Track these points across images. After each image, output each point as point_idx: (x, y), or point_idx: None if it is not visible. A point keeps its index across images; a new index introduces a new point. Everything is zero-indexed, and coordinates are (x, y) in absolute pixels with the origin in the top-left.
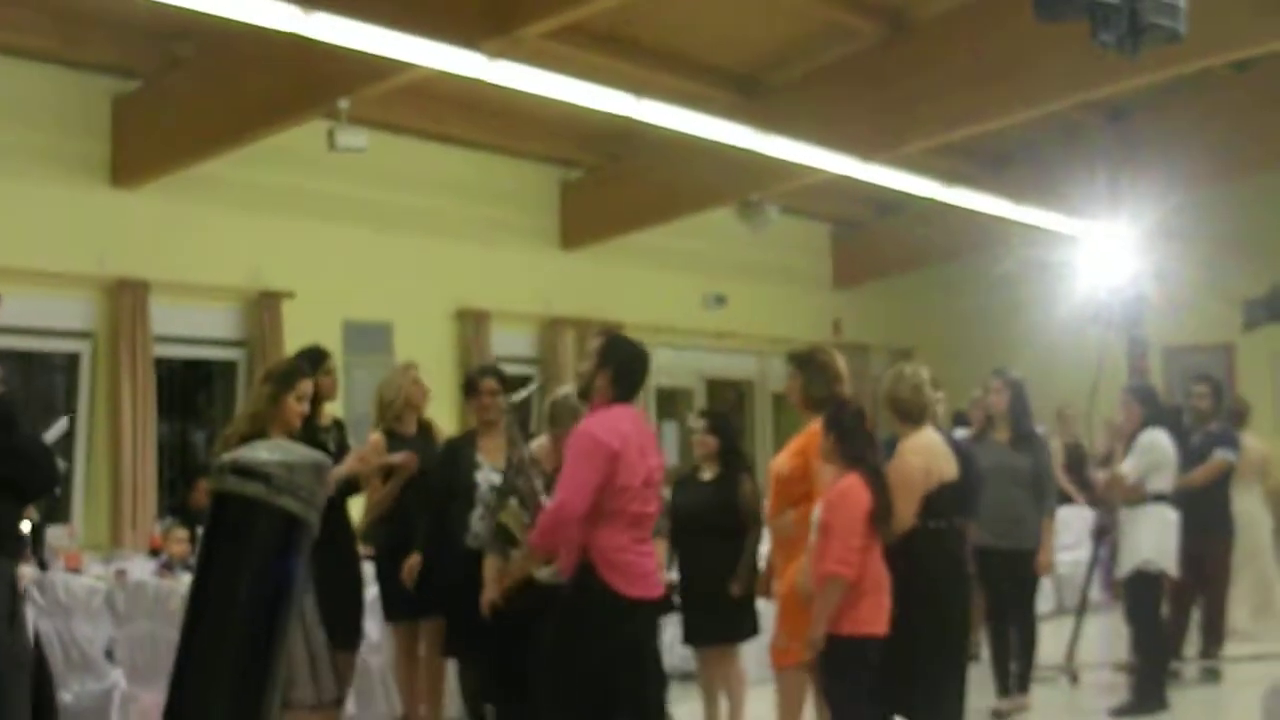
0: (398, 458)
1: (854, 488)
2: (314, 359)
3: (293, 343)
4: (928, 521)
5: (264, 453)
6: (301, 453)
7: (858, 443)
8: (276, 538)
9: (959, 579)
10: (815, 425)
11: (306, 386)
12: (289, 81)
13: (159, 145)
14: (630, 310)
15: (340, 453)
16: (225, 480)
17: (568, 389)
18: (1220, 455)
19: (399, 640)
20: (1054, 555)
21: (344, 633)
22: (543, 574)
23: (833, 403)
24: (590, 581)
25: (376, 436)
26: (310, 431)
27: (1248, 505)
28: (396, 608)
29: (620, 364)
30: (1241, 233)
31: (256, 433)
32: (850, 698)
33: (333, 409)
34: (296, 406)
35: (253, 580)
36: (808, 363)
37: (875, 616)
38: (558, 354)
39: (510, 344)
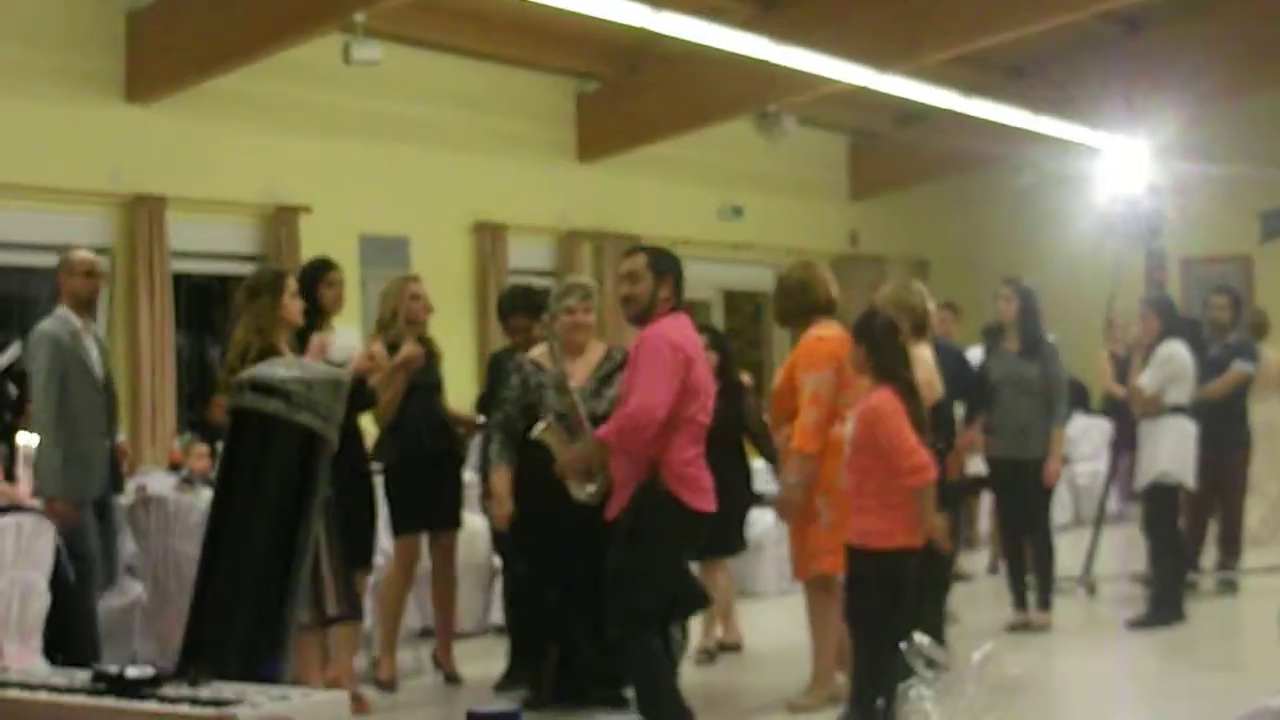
0: (404, 351)
1: (887, 402)
2: (317, 270)
3: (309, 257)
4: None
5: (282, 370)
6: (319, 369)
7: (889, 355)
8: (296, 453)
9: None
10: (811, 334)
11: (293, 283)
12: None
13: (173, 61)
14: (647, 223)
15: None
16: (244, 397)
17: (584, 278)
18: (1239, 367)
19: (400, 555)
20: (1061, 464)
21: (359, 552)
22: (581, 494)
23: (814, 316)
24: (659, 496)
25: (377, 347)
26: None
27: (1268, 414)
28: (404, 521)
29: (677, 274)
30: (1259, 146)
31: (266, 344)
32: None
33: (350, 321)
34: (294, 304)
35: (273, 496)
36: (782, 281)
37: (912, 529)
38: (575, 267)
39: (527, 257)
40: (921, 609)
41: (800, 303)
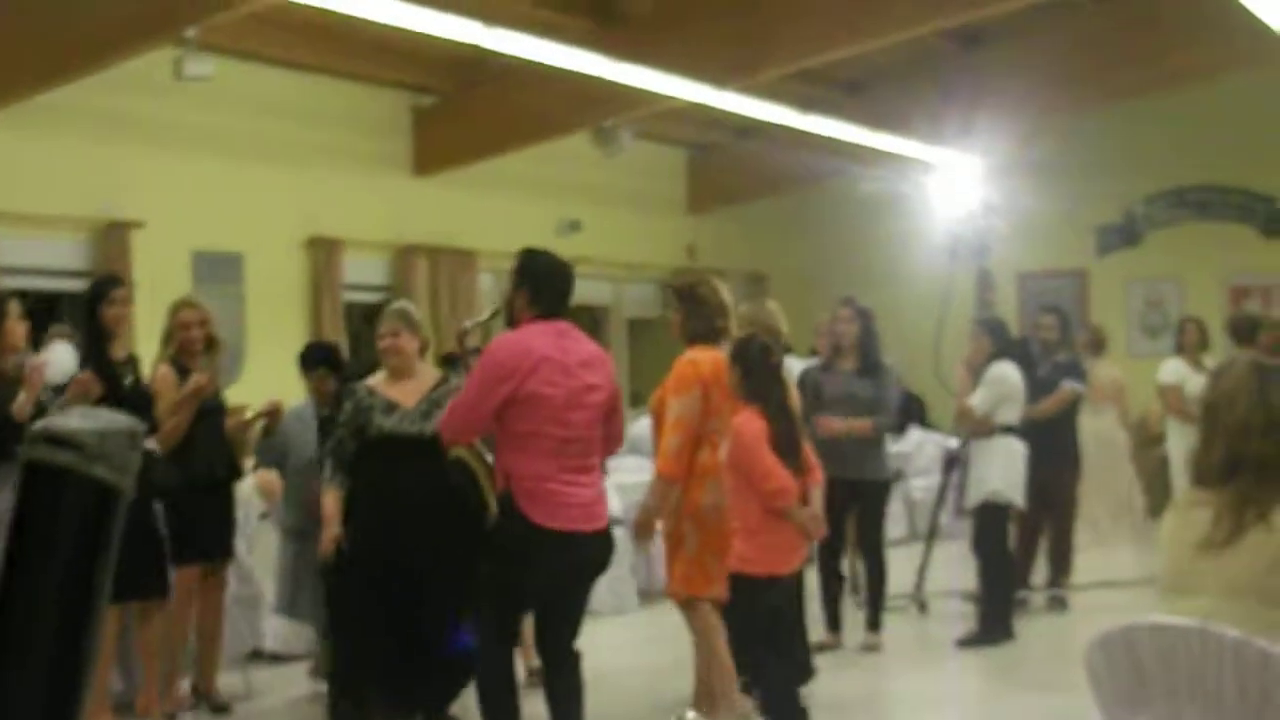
0: (192, 381)
1: (748, 424)
2: (99, 288)
3: (142, 273)
4: None
5: (75, 420)
6: (115, 418)
7: (762, 377)
8: (90, 508)
9: None
10: (685, 358)
11: (17, 306)
12: (135, 8)
13: (2, 72)
14: (484, 237)
15: (137, 389)
16: (37, 449)
17: (402, 303)
18: (1068, 386)
19: (184, 585)
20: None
21: (147, 584)
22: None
23: (712, 337)
24: (508, 511)
25: (87, 375)
26: (103, 367)
27: (1101, 426)
28: (188, 551)
29: (537, 279)
30: (1094, 161)
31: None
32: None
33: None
34: (18, 328)
35: (66, 553)
36: (688, 296)
37: (777, 555)
38: (411, 282)
39: (363, 272)
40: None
41: (711, 325)
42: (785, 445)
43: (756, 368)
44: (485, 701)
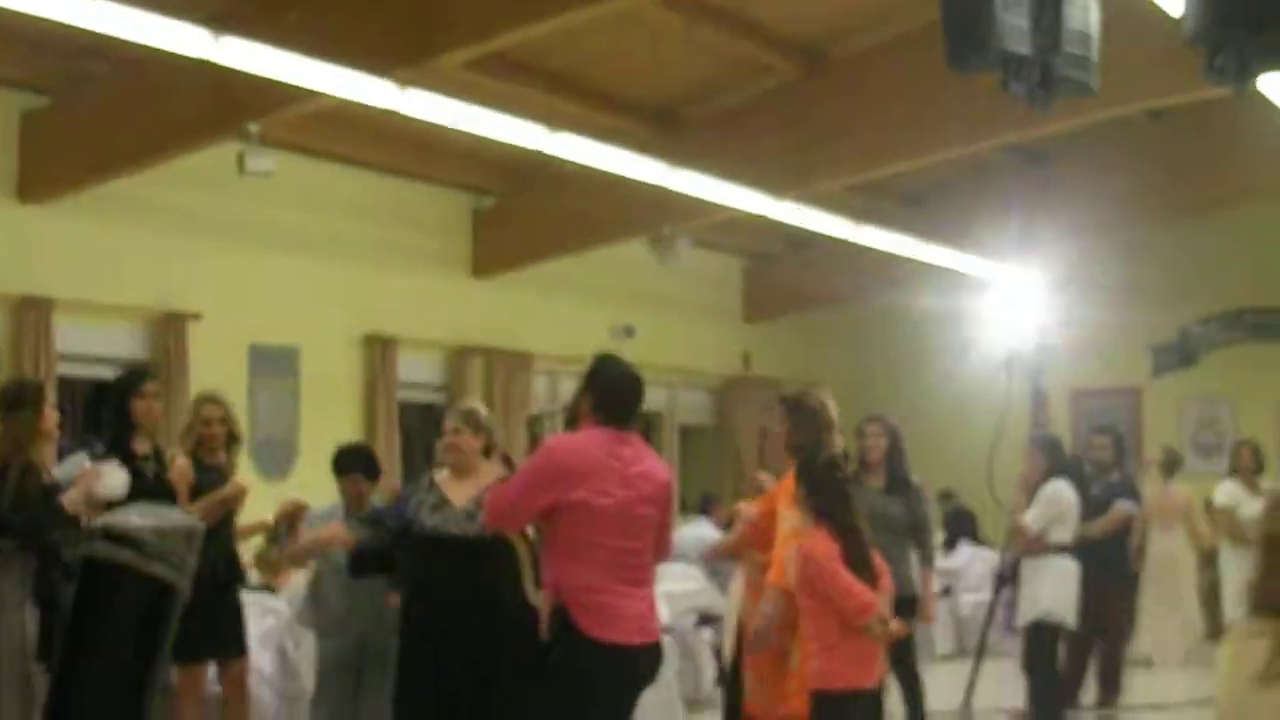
0: (228, 491)
1: (819, 545)
2: (129, 381)
3: (199, 364)
4: None
5: (136, 518)
6: (173, 517)
7: (829, 495)
8: (148, 604)
9: None
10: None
11: (51, 394)
12: (200, 103)
13: (67, 162)
14: (539, 340)
15: (157, 482)
16: (96, 546)
17: (471, 402)
18: (1121, 507)
19: (188, 684)
20: (935, 605)
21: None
22: (537, 598)
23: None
24: (563, 623)
25: (183, 461)
26: (127, 460)
27: (1172, 545)
28: (189, 649)
29: (604, 387)
30: (1150, 279)
31: (26, 459)
32: None
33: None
34: (52, 415)
35: (124, 647)
36: (796, 407)
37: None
38: (466, 382)
39: (418, 371)
40: None
41: (818, 438)
42: (858, 561)
43: (824, 484)
44: None
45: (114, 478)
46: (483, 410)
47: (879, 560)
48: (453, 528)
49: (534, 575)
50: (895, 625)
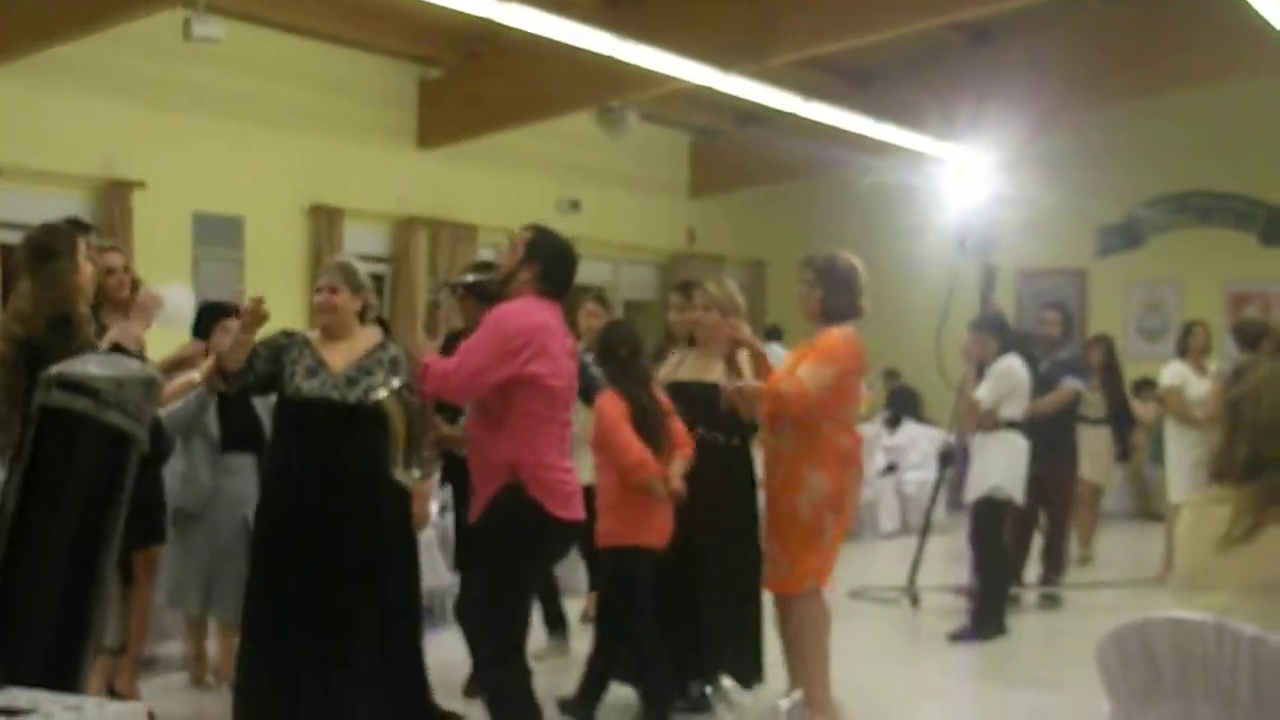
0: (187, 350)
1: (607, 399)
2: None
3: (142, 233)
4: None
5: (93, 366)
6: (132, 367)
7: (617, 364)
8: (105, 454)
9: None
10: (836, 334)
11: (87, 242)
12: None
13: (11, 26)
14: (484, 212)
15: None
16: (51, 394)
17: (345, 257)
18: (1069, 383)
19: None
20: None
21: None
22: (405, 478)
23: (852, 315)
24: (520, 502)
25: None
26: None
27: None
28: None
29: (550, 258)
30: (1098, 161)
31: (74, 311)
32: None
33: None
34: (88, 266)
35: (79, 497)
36: (830, 271)
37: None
38: (411, 253)
39: (363, 242)
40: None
41: (855, 302)
42: (645, 424)
43: (614, 356)
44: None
45: (175, 295)
46: (360, 267)
47: (679, 430)
48: (331, 393)
49: (406, 453)
50: (675, 484)
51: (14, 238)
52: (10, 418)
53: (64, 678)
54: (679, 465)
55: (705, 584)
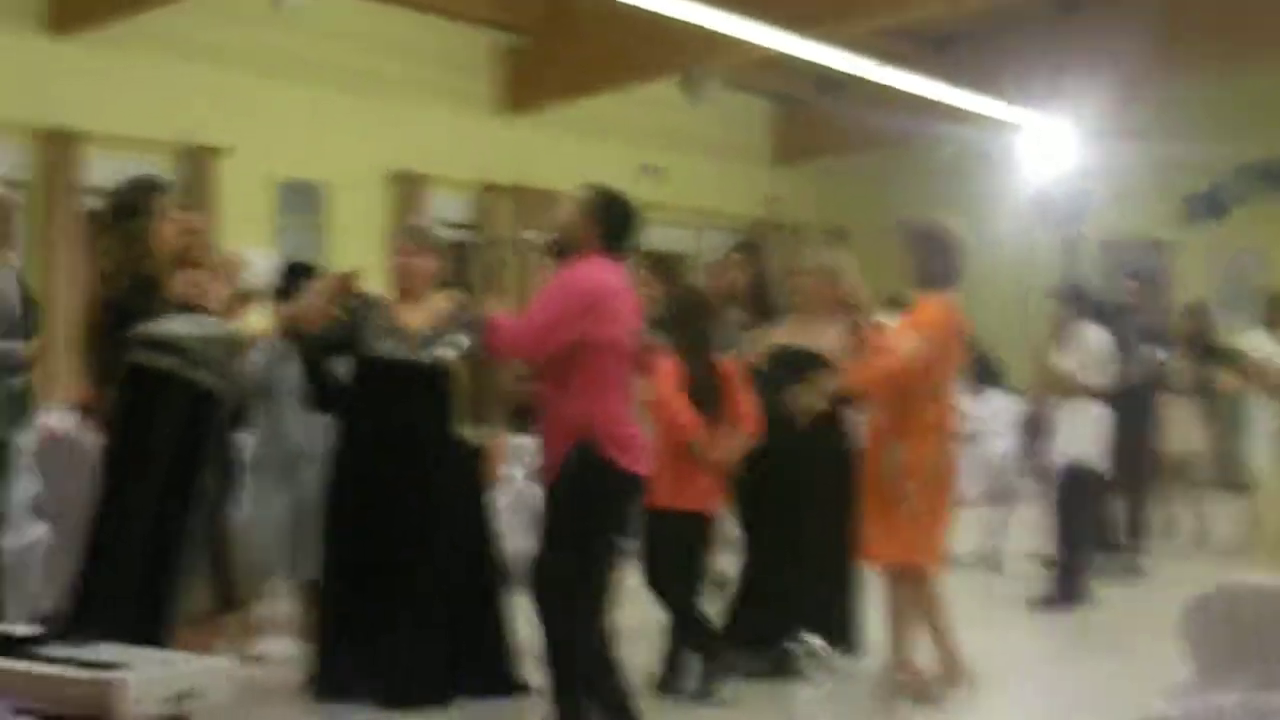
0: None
1: (665, 364)
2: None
3: (227, 199)
4: None
5: (179, 325)
6: (215, 326)
7: (681, 332)
8: (190, 410)
9: None
10: (937, 301)
11: (159, 202)
12: None
13: None
14: (567, 178)
15: None
16: (138, 353)
17: (424, 221)
18: (1150, 351)
19: None
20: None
21: None
22: (473, 434)
23: (952, 280)
24: (594, 459)
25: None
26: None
27: None
28: None
29: (616, 218)
30: (1183, 130)
31: (152, 271)
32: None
33: None
34: (170, 226)
35: (166, 452)
36: (930, 234)
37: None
38: (494, 220)
39: (446, 208)
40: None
41: (956, 267)
42: (701, 391)
43: (680, 324)
44: (571, 689)
45: (262, 264)
46: (437, 230)
47: (746, 406)
48: (407, 354)
49: (475, 411)
50: (718, 454)
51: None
52: (99, 378)
53: (153, 633)
54: (735, 440)
55: (795, 549)
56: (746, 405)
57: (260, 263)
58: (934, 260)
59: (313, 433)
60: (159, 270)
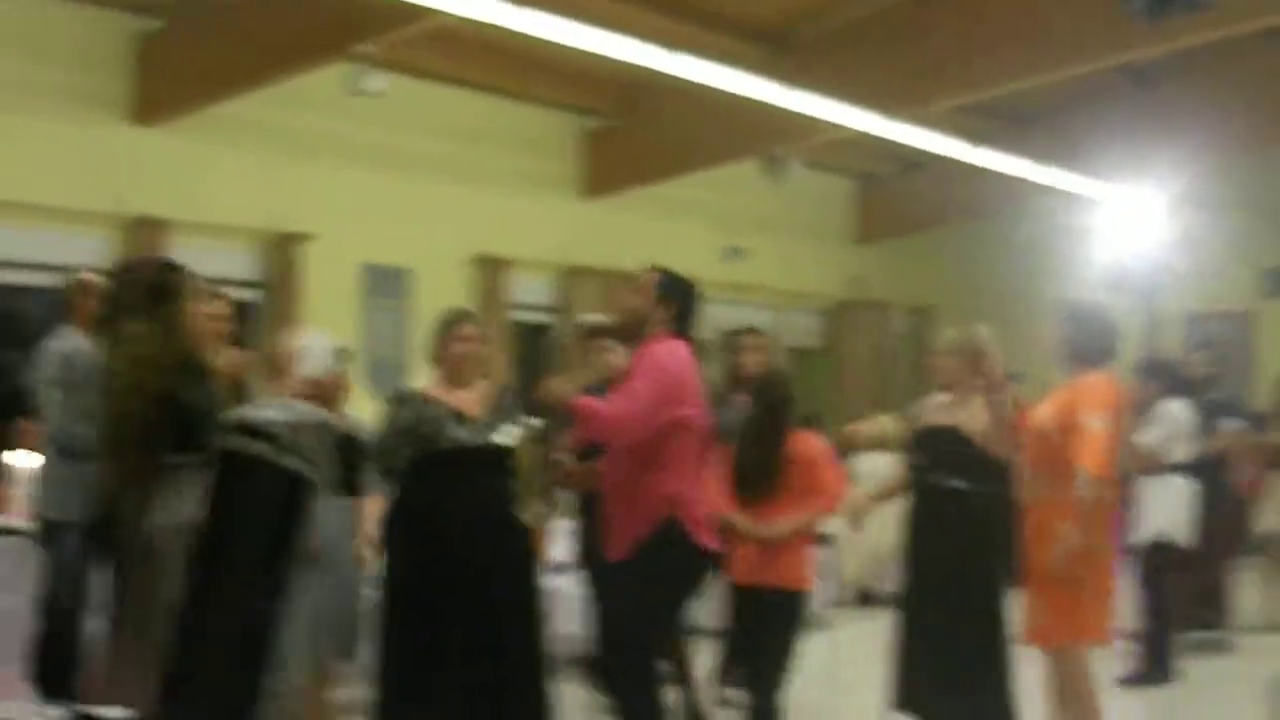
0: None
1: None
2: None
3: (312, 284)
4: None
5: (270, 411)
6: (306, 412)
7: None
8: (281, 496)
9: None
10: (1095, 378)
11: (191, 285)
12: (312, 24)
13: (181, 84)
14: (648, 260)
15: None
16: (230, 439)
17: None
18: (1226, 425)
19: None
20: None
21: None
22: (530, 517)
23: (1105, 359)
24: (678, 536)
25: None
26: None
27: None
28: None
29: (685, 298)
30: (1265, 201)
31: (198, 357)
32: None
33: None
34: (200, 309)
35: (258, 540)
36: (1081, 312)
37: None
38: (576, 303)
39: (529, 292)
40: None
41: (1109, 345)
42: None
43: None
44: None
45: (315, 345)
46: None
47: (825, 481)
48: (479, 440)
49: (532, 494)
50: (761, 531)
51: None
52: (147, 470)
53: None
54: (798, 516)
55: (922, 631)
56: (827, 480)
57: (317, 347)
58: (1091, 337)
59: (343, 518)
60: (201, 353)
